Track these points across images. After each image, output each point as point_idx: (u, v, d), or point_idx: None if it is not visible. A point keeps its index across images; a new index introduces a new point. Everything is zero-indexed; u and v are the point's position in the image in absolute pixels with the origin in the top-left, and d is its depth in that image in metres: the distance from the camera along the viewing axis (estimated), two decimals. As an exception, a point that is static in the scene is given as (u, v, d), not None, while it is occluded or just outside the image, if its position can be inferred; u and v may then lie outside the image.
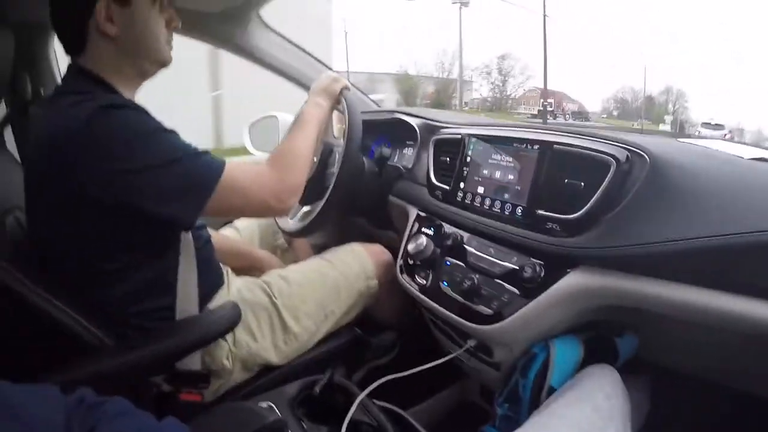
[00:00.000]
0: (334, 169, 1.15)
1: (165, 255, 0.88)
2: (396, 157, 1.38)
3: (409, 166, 1.27)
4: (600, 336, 0.94)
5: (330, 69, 1.66)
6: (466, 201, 1.02)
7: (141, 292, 0.87)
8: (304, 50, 1.65)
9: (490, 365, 1.00)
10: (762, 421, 0.93)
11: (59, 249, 0.82)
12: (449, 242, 1.01)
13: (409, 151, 1.33)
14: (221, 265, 1.08)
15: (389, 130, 1.41)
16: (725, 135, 17.99)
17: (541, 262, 0.83)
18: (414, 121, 1.28)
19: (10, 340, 0.81)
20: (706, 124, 19.38)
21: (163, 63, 0.94)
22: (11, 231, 0.91)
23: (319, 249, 1.42)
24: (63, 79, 0.88)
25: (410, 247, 1.06)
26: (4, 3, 1.00)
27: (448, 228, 1.06)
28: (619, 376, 0.83)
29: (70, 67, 0.87)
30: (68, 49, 0.87)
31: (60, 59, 1.44)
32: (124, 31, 0.85)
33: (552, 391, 0.84)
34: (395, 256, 1.17)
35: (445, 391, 1.30)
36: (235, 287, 1.06)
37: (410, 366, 0.87)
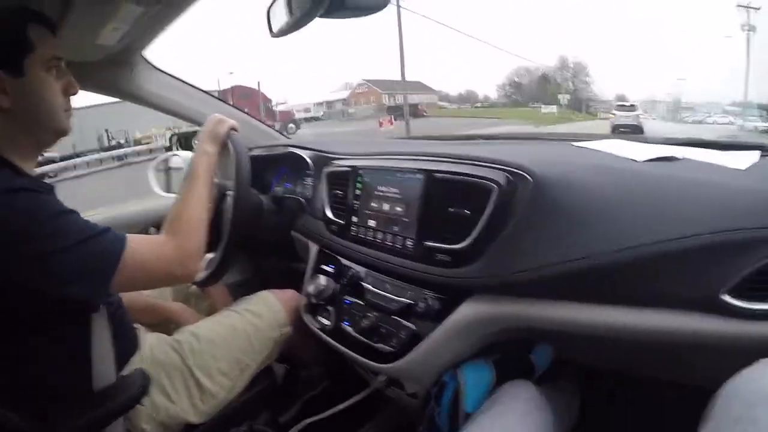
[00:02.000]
0: (229, 215, 1.14)
1: (77, 330, 0.88)
2: (297, 188, 1.39)
3: (310, 196, 1.29)
4: (511, 353, 0.98)
5: (225, 102, 1.66)
6: (360, 235, 1.04)
7: (55, 370, 0.87)
8: (194, 87, 1.64)
9: (409, 395, 1.02)
10: (692, 407, 1.00)
11: None
12: (347, 280, 1.03)
13: (308, 181, 1.34)
14: (134, 325, 1.07)
15: (288, 164, 1.42)
16: (638, 115, 18.97)
17: (435, 295, 0.86)
18: (306, 154, 1.30)
19: None
20: (621, 107, 20.52)
21: (62, 132, 0.93)
22: None
23: (234, 287, 1.41)
24: None
25: (310, 288, 1.07)
26: None
27: (346, 264, 1.07)
28: (534, 390, 0.86)
29: None
30: None
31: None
32: (17, 103, 0.85)
33: (468, 416, 0.87)
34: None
35: (373, 421, 1.31)
36: (148, 347, 1.04)
37: (342, 397, 0.91)
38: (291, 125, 23.15)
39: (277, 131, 1.82)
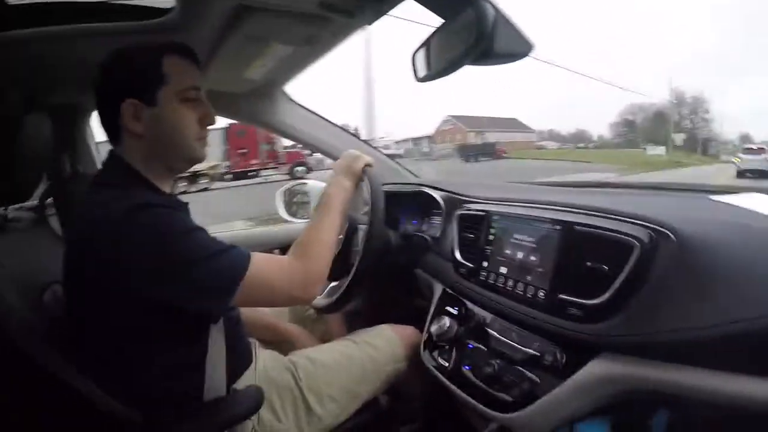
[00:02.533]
0: (359, 248, 1.21)
1: (195, 340, 0.95)
2: (424, 226, 1.44)
3: (436, 235, 1.33)
4: (629, 417, 0.91)
5: (357, 138, 1.79)
6: (489, 281, 1.05)
7: (170, 375, 0.93)
8: (329, 121, 1.80)
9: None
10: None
11: (92, 330, 0.90)
12: (472, 324, 1.04)
13: (435, 220, 1.40)
14: (250, 339, 1.15)
15: (416, 202, 1.49)
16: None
17: (563, 349, 0.84)
18: (438, 195, 1.36)
19: (43, 417, 0.89)
20: (748, 150, 17.85)
21: (195, 160, 1.02)
22: (48, 305, 1.01)
23: (349, 315, 1.48)
24: (103, 166, 0.98)
25: (433, 328, 1.10)
26: (40, 89, 1.16)
27: (471, 308, 1.09)
28: None
29: (110, 153, 0.98)
30: (108, 138, 0.99)
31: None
32: (150, 131, 0.94)
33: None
34: (422, 326, 1.21)
35: None
36: (262, 363, 1.11)
37: None
38: (298, 168, 21.51)
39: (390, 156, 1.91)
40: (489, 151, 34.29)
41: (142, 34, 1.16)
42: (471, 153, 33.47)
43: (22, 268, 1.01)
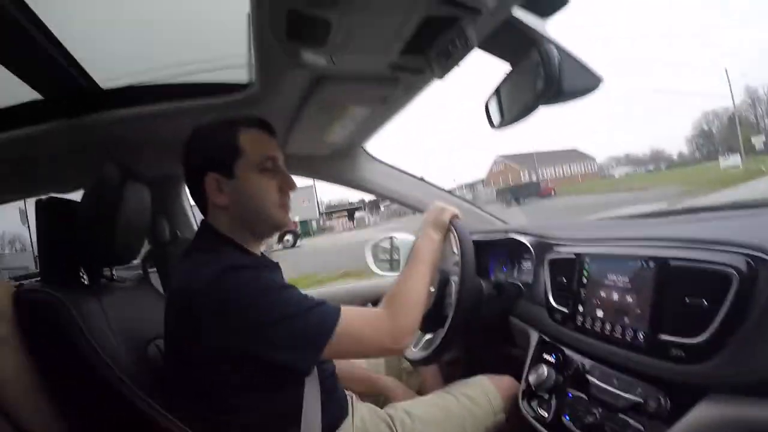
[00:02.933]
0: (452, 299, 1.23)
1: (289, 390, 1.01)
2: (515, 273, 1.44)
3: (528, 281, 1.33)
4: None
5: (437, 188, 1.84)
6: (585, 325, 1.03)
7: (266, 425, 0.99)
8: (411, 175, 1.89)
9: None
10: None
11: (190, 382, 0.99)
12: (571, 372, 1.02)
13: (527, 266, 1.39)
14: (346, 392, 1.19)
15: (506, 248, 1.50)
16: None
17: (667, 393, 0.80)
18: (527, 240, 1.36)
19: None
20: None
21: (277, 227, 1.10)
22: (152, 358, 1.13)
23: (445, 366, 1.49)
24: (196, 234, 1.10)
25: (531, 378, 1.08)
26: (136, 162, 1.29)
27: (570, 355, 1.06)
28: None
29: (201, 222, 1.11)
30: (198, 207, 1.12)
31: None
32: (233, 201, 1.04)
33: None
34: (520, 374, 1.19)
35: None
36: (359, 417, 1.15)
37: None
38: (288, 238, 21.24)
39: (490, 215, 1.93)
40: (533, 191, 32.66)
41: (225, 109, 1.32)
42: (513, 195, 31.98)
43: (128, 324, 1.12)
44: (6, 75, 1.15)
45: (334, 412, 1.10)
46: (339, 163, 1.83)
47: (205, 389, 0.97)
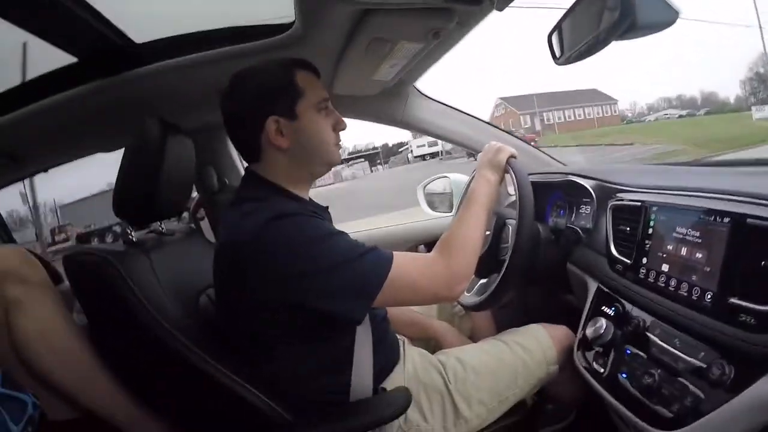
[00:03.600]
0: (509, 243, 1.22)
1: (341, 338, 1.05)
2: (573, 217, 1.39)
3: (588, 226, 1.29)
4: None
5: (493, 127, 1.77)
6: (649, 279, 0.99)
7: (318, 372, 1.04)
8: (465, 113, 1.82)
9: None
10: None
11: (241, 332, 1.04)
12: (631, 327, 0.99)
13: (586, 210, 1.35)
14: (398, 336, 1.23)
15: (564, 191, 1.46)
16: None
17: (732, 361, 0.77)
18: (589, 184, 1.30)
19: (196, 414, 1.07)
20: None
21: (333, 164, 1.12)
22: (204, 309, 1.19)
23: (497, 312, 1.52)
24: (241, 183, 1.11)
25: (589, 331, 1.07)
26: (177, 114, 1.34)
27: (630, 309, 1.04)
28: None
29: (246, 172, 1.12)
30: (245, 159, 1.12)
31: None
32: (294, 142, 1.05)
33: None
34: (575, 324, 1.18)
35: None
36: (410, 362, 1.19)
37: None
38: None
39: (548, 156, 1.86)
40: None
41: (267, 52, 1.29)
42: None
43: (178, 277, 1.17)
44: (40, 43, 1.17)
45: (386, 357, 1.14)
46: (388, 102, 1.78)
47: (255, 339, 1.02)
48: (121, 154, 1.17)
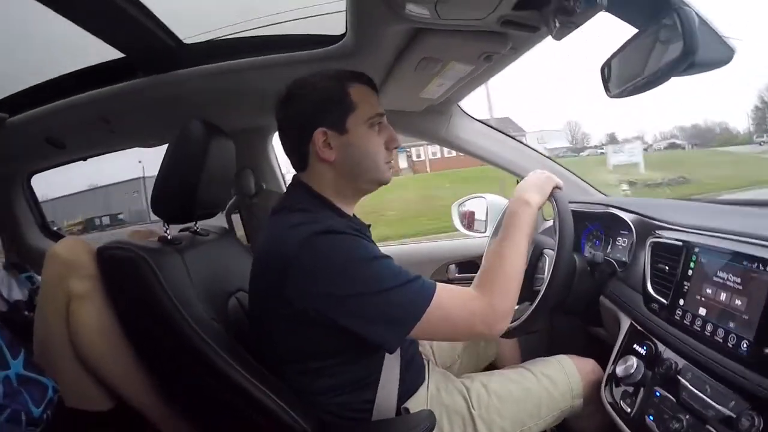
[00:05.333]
0: (545, 275, 1.23)
1: (370, 358, 1.07)
2: (609, 249, 1.40)
3: (624, 260, 1.31)
4: None
5: (536, 152, 1.79)
6: (684, 321, 1.01)
7: (344, 387, 1.07)
8: (508, 135, 1.86)
9: None
10: None
11: (270, 340, 1.08)
12: (662, 369, 1.00)
13: (623, 243, 1.37)
14: (423, 355, 1.26)
15: (601, 222, 1.48)
16: None
17: (763, 413, 0.78)
18: (629, 217, 1.32)
19: (217, 417, 1.10)
20: None
21: (382, 182, 1.13)
22: (232, 312, 1.23)
23: (524, 339, 1.54)
24: (287, 191, 1.15)
25: (619, 369, 1.09)
26: (221, 116, 1.38)
27: (662, 350, 1.05)
28: None
29: (293, 179, 1.15)
30: (294, 167, 1.15)
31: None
32: (341, 156, 1.07)
33: None
34: (603, 358, 1.20)
35: None
36: (434, 384, 1.21)
37: None
38: None
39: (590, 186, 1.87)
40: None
41: (316, 62, 1.34)
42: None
43: (210, 278, 1.21)
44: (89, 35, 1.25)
45: (412, 378, 1.16)
46: (432, 119, 1.82)
47: (284, 349, 1.06)
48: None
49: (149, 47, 1.36)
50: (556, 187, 1.20)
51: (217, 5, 1.36)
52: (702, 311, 0.97)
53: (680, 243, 1.08)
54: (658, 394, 1.00)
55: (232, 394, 1.04)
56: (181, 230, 1.38)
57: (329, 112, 1.07)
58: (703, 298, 0.98)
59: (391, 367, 1.09)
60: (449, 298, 0.98)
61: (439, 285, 0.99)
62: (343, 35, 1.29)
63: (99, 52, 1.38)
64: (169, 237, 1.23)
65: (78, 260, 1.11)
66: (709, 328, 0.94)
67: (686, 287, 1.03)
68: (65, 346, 1.12)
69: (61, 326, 1.11)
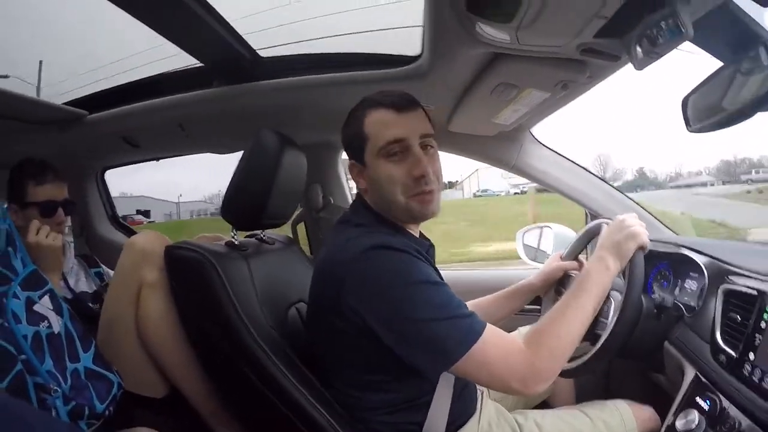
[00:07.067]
0: (608, 320, 1.19)
1: (420, 378, 1.04)
2: (677, 290, 1.35)
3: (692, 304, 1.25)
4: None
5: (608, 183, 1.75)
6: (753, 378, 0.96)
7: (395, 405, 1.07)
8: (579, 165, 1.82)
9: None
10: None
11: (324, 352, 1.10)
12: (725, 428, 0.96)
13: (692, 286, 1.31)
14: (477, 387, 1.24)
15: (670, 261, 1.43)
16: None
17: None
18: (701, 260, 1.26)
19: (263, 421, 1.14)
20: None
21: (414, 218, 1.09)
22: (291, 322, 1.26)
23: (580, 379, 1.47)
24: (350, 207, 1.18)
25: (679, 423, 1.04)
26: (293, 129, 1.40)
27: (727, 407, 1.00)
28: None
29: (357, 196, 1.17)
30: None
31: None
32: (370, 189, 1.10)
33: None
34: (662, 407, 1.16)
35: None
36: (486, 418, 1.19)
37: None
38: None
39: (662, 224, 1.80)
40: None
41: (390, 82, 1.38)
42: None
43: (272, 287, 1.26)
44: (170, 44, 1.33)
45: (463, 407, 1.15)
46: (503, 145, 1.82)
47: (338, 362, 1.08)
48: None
49: (226, 58, 1.44)
50: (641, 248, 1.12)
51: (295, 19, 1.42)
52: (774, 367, 0.92)
53: (755, 292, 1.02)
54: (718, 453, 0.95)
55: (281, 402, 1.08)
56: (247, 236, 1.44)
57: (352, 146, 1.09)
58: (775, 355, 0.93)
59: (444, 391, 1.08)
60: (493, 346, 0.94)
61: (489, 328, 0.96)
62: (419, 56, 1.31)
63: (179, 59, 1.48)
64: (236, 242, 1.29)
65: (154, 251, 1.22)
66: (780, 387, 0.89)
67: (758, 341, 0.98)
68: (130, 330, 1.23)
69: (130, 310, 1.22)
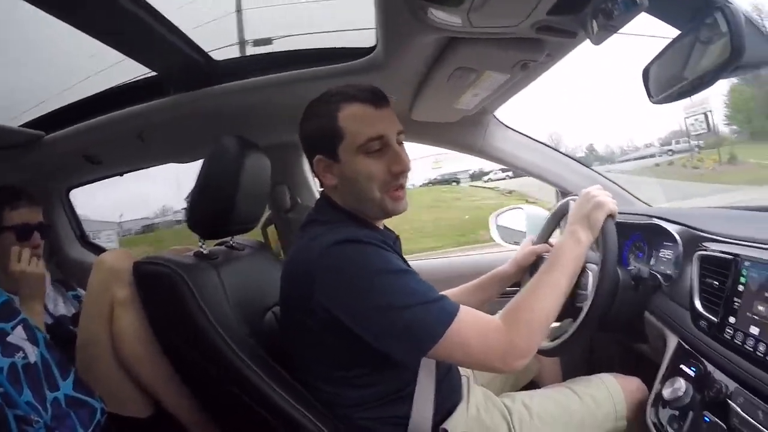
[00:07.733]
0: (587, 291, 1.22)
1: (397, 370, 1.06)
2: (653, 261, 1.37)
3: (669, 272, 1.27)
4: None
5: (576, 162, 1.76)
6: (735, 341, 0.97)
7: (377, 399, 1.07)
8: (549, 146, 1.85)
9: None
10: None
11: (301, 353, 1.10)
12: (711, 393, 0.97)
13: (667, 255, 1.32)
14: (462, 373, 1.25)
15: (644, 233, 1.44)
16: None
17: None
18: (674, 229, 1.28)
19: (246, 429, 1.13)
20: None
21: (387, 214, 1.10)
22: (268, 327, 1.26)
23: (565, 356, 1.51)
24: (314, 206, 1.17)
25: (666, 392, 1.05)
26: (252, 132, 1.39)
27: (712, 372, 1.01)
28: None
29: (321, 194, 1.17)
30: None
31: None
32: (340, 184, 1.08)
33: None
34: (648, 375, 1.17)
35: None
36: (474, 403, 1.20)
37: None
38: None
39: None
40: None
41: (347, 76, 1.37)
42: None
43: (245, 293, 1.25)
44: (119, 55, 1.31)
45: (448, 395, 1.15)
46: (467, 130, 1.82)
47: (316, 361, 1.07)
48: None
49: (179, 64, 1.41)
50: (610, 216, 1.15)
51: (247, 20, 1.40)
52: (754, 330, 0.93)
53: (730, 256, 1.04)
54: (707, 419, 0.96)
55: (261, 406, 1.07)
56: (216, 244, 1.43)
57: (321, 141, 1.07)
58: (755, 316, 0.94)
59: (425, 381, 1.08)
60: (470, 326, 0.96)
61: (462, 309, 0.97)
62: (374, 47, 1.30)
63: (133, 70, 1.45)
64: (205, 251, 1.27)
65: (123, 268, 1.20)
66: (761, 348, 0.90)
67: (737, 304, 0.99)
68: (107, 350, 1.20)
69: (104, 330, 1.19)
